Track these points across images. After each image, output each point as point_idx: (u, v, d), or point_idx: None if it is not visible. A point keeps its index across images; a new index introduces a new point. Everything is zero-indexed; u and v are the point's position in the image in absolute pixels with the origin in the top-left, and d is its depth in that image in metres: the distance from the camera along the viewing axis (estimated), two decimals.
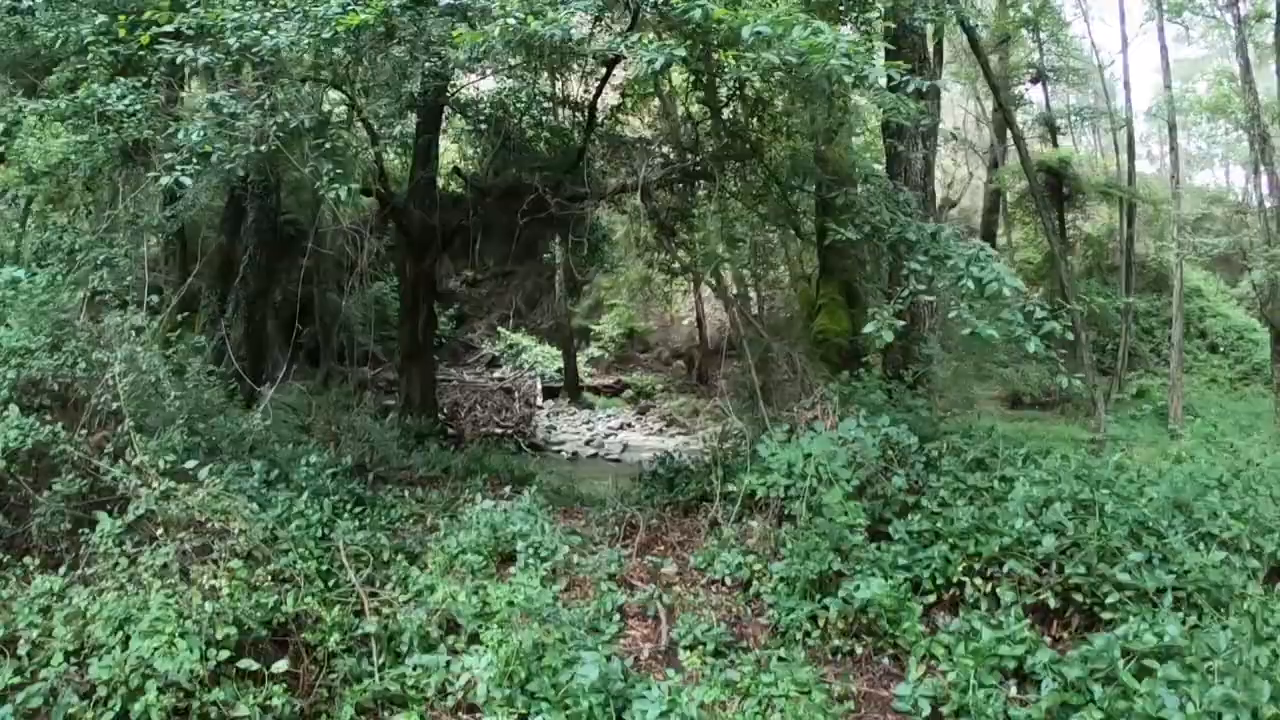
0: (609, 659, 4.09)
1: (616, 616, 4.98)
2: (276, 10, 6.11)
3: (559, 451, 16.80)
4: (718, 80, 8.84)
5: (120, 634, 3.76)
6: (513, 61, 9.16)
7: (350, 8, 5.84)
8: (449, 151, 15.76)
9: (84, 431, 4.99)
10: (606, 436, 18.78)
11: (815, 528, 5.18)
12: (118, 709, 3.52)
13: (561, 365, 23.25)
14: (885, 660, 4.58)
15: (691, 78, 9.49)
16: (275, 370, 12.73)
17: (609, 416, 21.14)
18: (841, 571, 4.94)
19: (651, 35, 6.09)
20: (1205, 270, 25.00)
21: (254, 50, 5.95)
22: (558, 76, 11.83)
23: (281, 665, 3.94)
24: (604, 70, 11.09)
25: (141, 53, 6.39)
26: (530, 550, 5.64)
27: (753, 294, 18.90)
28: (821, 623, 4.74)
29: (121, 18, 6.54)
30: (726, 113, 9.72)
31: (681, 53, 5.34)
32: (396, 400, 13.55)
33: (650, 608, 5.19)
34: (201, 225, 13.86)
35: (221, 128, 6.13)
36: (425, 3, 6.44)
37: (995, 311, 5.91)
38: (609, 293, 25.81)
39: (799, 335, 12.00)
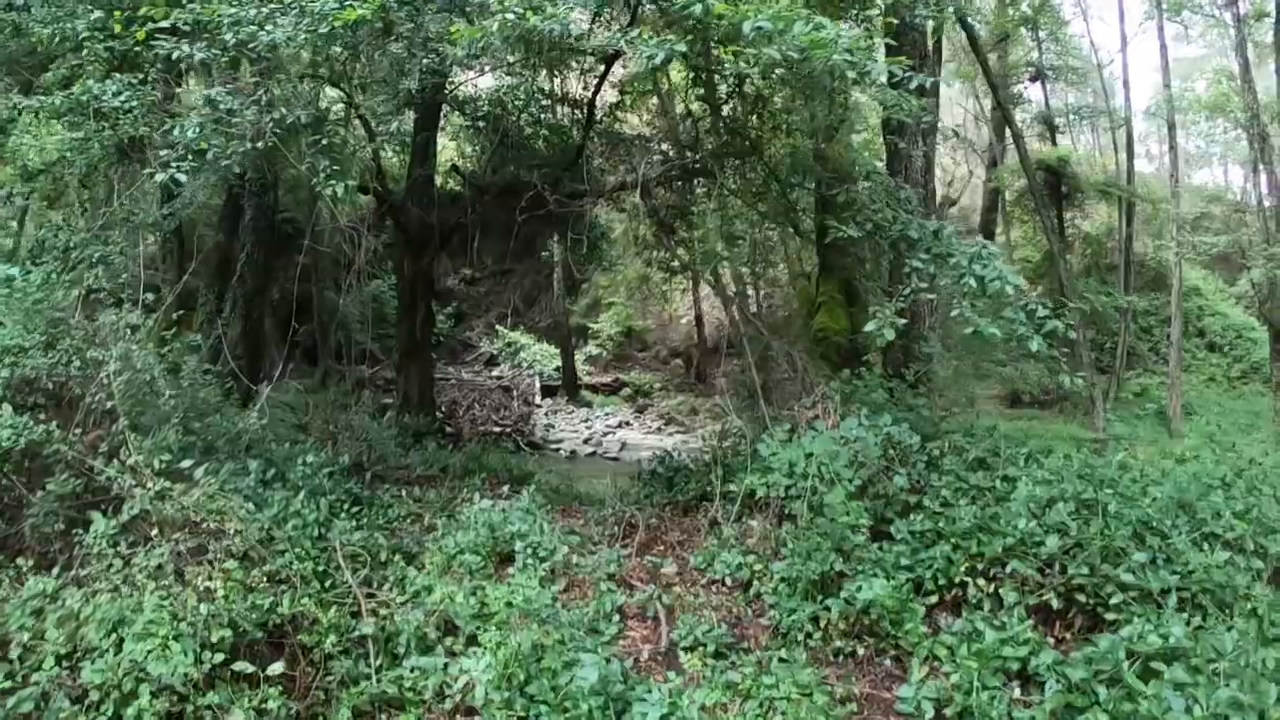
0: (608, 661, 4.06)
1: (616, 617, 4.95)
2: (273, 6, 6.07)
3: (557, 450, 16.78)
4: (717, 77, 8.80)
5: (113, 636, 3.72)
6: (511, 58, 9.10)
7: (347, 3, 5.80)
8: (447, 149, 15.73)
9: (78, 431, 4.94)
10: (605, 435, 18.77)
11: (817, 528, 5.15)
12: (110, 713, 3.48)
13: (559, 363, 23.26)
14: (887, 661, 4.55)
15: (691, 74, 9.46)
16: (272, 369, 12.64)
17: (607, 415, 21.14)
18: (843, 572, 4.91)
19: (651, 31, 6.05)
20: (1204, 269, 25.01)
21: (251, 46, 5.90)
22: (556, 73, 11.81)
23: (277, 668, 3.89)
24: (603, 67, 11.06)
25: (137, 49, 6.35)
26: (529, 550, 5.60)
27: (752, 292, 18.84)
28: (823, 624, 4.71)
29: (117, 14, 6.51)
30: (726, 110, 9.69)
31: (681, 48, 5.29)
32: (394, 399, 13.54)
33: (650, 608, 5.16)
34: (198, 223, 13.80)
35: (218, 124, 6.08)
36: None
37: (997, 310, 5.87)
38: (607, 291, 25.81)
39: (798, 333, 11.94)
